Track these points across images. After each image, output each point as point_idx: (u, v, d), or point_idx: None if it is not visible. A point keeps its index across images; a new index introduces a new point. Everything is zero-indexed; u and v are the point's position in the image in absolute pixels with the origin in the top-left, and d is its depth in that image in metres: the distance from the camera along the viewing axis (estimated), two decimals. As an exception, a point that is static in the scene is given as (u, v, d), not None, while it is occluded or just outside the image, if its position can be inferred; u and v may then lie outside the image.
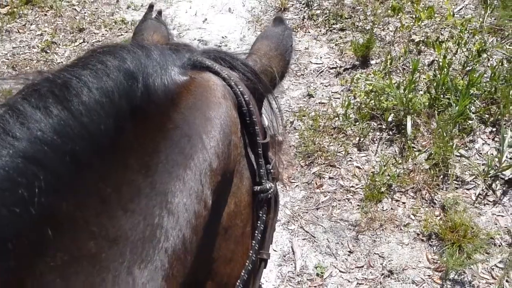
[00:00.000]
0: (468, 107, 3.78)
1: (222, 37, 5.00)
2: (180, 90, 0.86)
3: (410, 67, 4.04)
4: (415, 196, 3.50)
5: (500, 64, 4.05)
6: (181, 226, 0.75)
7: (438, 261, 3.14)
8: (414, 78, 3.88)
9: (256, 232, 1.02)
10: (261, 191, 1.02)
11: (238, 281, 0.97)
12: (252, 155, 1.01)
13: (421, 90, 4.02)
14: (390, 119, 3.87)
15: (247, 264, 1.00)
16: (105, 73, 0.76)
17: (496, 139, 3.73)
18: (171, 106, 0.82)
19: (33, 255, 0.59)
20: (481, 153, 3.69)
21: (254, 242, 1.02)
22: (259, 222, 1.03)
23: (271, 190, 1.04)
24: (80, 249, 0.63)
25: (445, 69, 3.90)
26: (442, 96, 3.86)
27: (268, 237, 1.12)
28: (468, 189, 3.51)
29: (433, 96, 3.88)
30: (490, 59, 4.20)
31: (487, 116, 3.86)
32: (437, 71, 4.02)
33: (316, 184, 3.66)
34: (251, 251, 1.01)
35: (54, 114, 0.67)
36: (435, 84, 3.94)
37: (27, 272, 0.59)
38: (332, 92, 4.26)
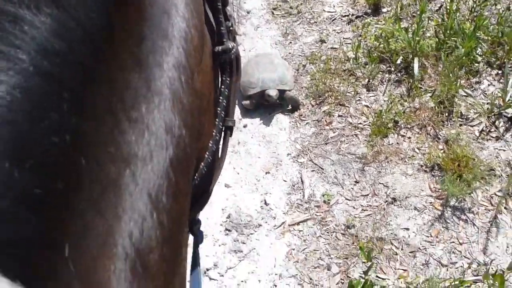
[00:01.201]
0: (474, 50, 3.90)
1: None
2: None
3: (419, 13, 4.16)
4: (420, 132, 3.65)
5: (507, 9, 4.15)
6: (181, 129, 0.67)
7: (440, 190, 3.31)
8: (422, 22, 4.00)
9: (221, 98, 0.94)
10: (223, 52, 0.91)
11: (207, 153, 0.90)
12: (209, 11, 0.90)
13: (429, 34, 4.14)
14: (398, 61, 4.01)
15: (214, 134, 0.92)
16: None
17: (501, 80, 3.85)
18: None
19: (74, 193, 0.51)
20: (486, 93, 3.82)
21: (219, 109, 0.94)
22: (223, 86, 0.95)
23: (234, 49, 0.94)
24: (106, 176, 0.55)
25: (452, 13, 4.02)
26: (449, 39, 3.98)
27: (232, 102, 1.01)
28: (472, 126, 3.65)
29: (440, 40, 4.01)
30: (498, 5, 4.30)
31: (494, 59, 3.98)
32: (445, 16, 4.14)
33: (326, 121, 3.83)
34: (217, 120, 0.93)
35: (51, 14, 0.54)
36: (443, 29, 4.06)
37: (70, 214, 0.50)
38: (343, 38, 4.41)
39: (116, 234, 0.55)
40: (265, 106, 3.94)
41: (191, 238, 0.98)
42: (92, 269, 0.51)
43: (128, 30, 0.62)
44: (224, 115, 0.96)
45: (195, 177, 0.88)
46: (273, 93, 3.79)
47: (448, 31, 4.00)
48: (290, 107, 3.95)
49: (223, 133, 1.00)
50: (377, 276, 2.98)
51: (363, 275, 2.82)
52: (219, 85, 0.96)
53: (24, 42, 0.50)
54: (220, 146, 1.02)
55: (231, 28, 0.95)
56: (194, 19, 0.76)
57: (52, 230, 0.47)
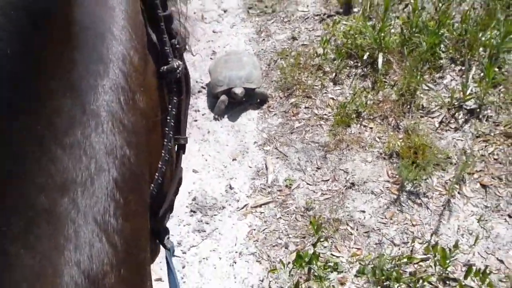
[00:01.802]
0: (438, 46, 4.06)
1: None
2: None
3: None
4: (381, 123, 3.80)
5: (472, 8, 4.32)
6: (124, 149, 0.66)
7: (397, 176, 3.45)
8: (387, 20, 4.17)
9: (169, 118, 0.93)
10: (169, 71, 0.90)
11: (157, 174, 0.89)
12: (152, 32, 0.89)
13: (395, 31, 4.31)
14: (365, 57, 4.17)
15: (163, 154, 0.91)
16: None
17: (464, 76, 4.00)
18: (69, 3, 0.66)
19: None
20: (448, 88, 3.96)
21: (167, 129, 0.93)
22: (170, 106, 0.93)
23: (180, 68, 0.92)
24: (32, 208, 0.54)
25: (418, 11, 4.19)
26: (413, 36, 4.15)
27: (183, 120, 1.01)
28: (432, 118, 3.80)
29: (406, 37, 4.17)
30: (463, 4, 4.47)
31: (458, 56, 4.14)
32: (410, 14, 4.30)
33: (293, 112, 3.98)
34: (165, 140, 0.92)
35: None
36: (409, 26, 4.22)
37: None
38: (315, 36, 4.58)
39: (57, 265, 0.54)
40: (232, 103, 4.10)
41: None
42: None
43: (56, 56, 0.61)
44: (173, 134, 0.95)
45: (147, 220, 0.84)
46: (238, 91, 3.95)
47: (413, 28, 4.17)
48: (258, 101, 4.11)
49: (175, 152, 1.00)
50: (331, 254, 3.11)
51: (311, 248, 2.95)
52: (167, 104, 0.94)
53: None
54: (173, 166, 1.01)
55: (177, 46, 0.94)
56: (133, 41, 0.75)
57: None
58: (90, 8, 0.69)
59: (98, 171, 0.61)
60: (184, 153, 1.05)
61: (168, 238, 1.05)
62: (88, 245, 0.57)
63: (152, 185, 0.87)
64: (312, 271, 2.93)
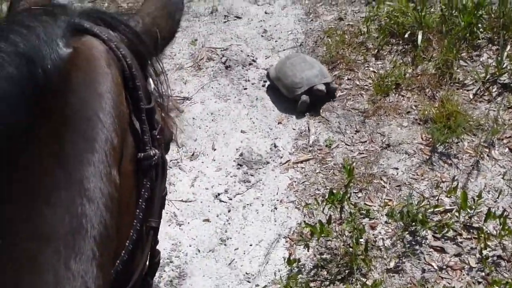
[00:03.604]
0: (475, 25, 4.31)
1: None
2: (68, 67, 0.83)
3: (430, -6, 4.60)
4: (419, 93, 4.07)
5: (510, -8, 4.55)
6: (102, 211, 0.76)
7: (430, 139, 3.71)
8: (428, 1, 4.45)
9: (140, 200, 1.01)
10: (145, 158, 1.00)
11: (123, 251, 0.96)
12: (136, 121, 0.99)
13: (435, 12, 4.58)
14: (406, 35, 4.45)
15: (131, 234, 0.98)
16: (5, 60, 0.76)
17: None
18: (65, 88, 0.81)
19: None
20: (484, 65, 4.20)
21: (138, 211, 1.00)
22: (143, 190, 1.01)
23: (156, 156, 1.02)
24: (22, 252, 0.65)
25: (458, -7, 4.46)
26: (451, 15, 4.41)
27: (156, 204, 1.10)
28: (467, 90, 4.05)
29: (446, 17, 4.43)
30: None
31: (495, 37, 4.37)
32: (451, -4, 4.57)
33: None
34: (135, 221, 0.99)
35: None
36: (449, 7, 4.49)
37: None
38: (360, 17, 4.88)
39: None
40: (313, 100, 4.18)
41: None
42: None
43: (49, 131, 0.76)
44: (144, 216, 1.02)
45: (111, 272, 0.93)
46: (321, 87, 4.08)
47: (452, 10, 4.43)
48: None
49: (145, 232, 1.07)
50: (364, 203, 3.39)
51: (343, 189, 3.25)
52: (141, 188, 1.02)
53: None
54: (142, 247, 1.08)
55: (157, 136, 1.04)
56: (115, 125, 0.85)
57: None
58: (82, 95, 0.82)
59: (79, 228, 0.71)
60: (155, 235, 1.14)
61: None
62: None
63: (118, 261, 0.94)
64: (344, 213, 3.22)
